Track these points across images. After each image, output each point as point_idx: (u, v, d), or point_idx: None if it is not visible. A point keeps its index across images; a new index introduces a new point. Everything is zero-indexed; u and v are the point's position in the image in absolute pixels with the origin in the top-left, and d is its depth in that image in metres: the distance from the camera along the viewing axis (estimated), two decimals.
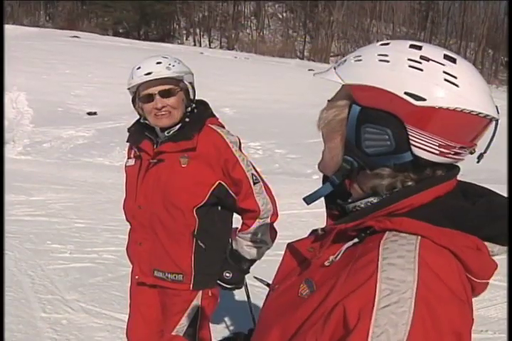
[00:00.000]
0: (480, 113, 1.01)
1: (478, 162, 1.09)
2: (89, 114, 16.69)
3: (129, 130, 2.75)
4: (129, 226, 2.82)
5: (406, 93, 1.00)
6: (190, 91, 2.60)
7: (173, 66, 2.54)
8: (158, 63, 2.52)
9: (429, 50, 1.04)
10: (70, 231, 6.49)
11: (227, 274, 2.63)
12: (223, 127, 2.66)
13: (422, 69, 1.01)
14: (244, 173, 2.56)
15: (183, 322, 2.63)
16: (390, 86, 1.01)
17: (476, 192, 1.08)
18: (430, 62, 1.01)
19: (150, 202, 2.59)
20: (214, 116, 2.69)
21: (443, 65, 1.01)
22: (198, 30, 52.64)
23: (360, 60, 1.06)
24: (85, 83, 20.38)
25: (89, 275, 5.06)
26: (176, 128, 2.57)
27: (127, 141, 2.77)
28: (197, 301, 2.63)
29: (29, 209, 7.36)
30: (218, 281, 2.65)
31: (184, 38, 52.49)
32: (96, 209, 7.57)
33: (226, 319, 4.09)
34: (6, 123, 14.21)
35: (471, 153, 1.06)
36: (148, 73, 2.48)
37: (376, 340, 0.88)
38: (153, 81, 2.49)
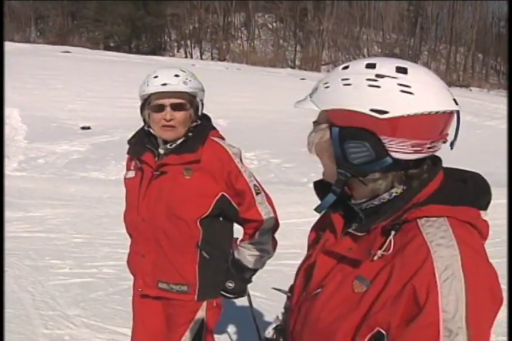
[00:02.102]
0: (437, 111, 1.18)
1: (451, 149, 1.27)
2: (83, 128, 16.68)
3: (129, 142, 2.75)
4: (129, 240, 2.82)
5: (371, 110, 1.17)
6: (200, 108, 2.61)
7: (190, 81, 2.54)
8: (176, 76, 2.51)
9: (382, 66, 1.20)
10: (69, 246, 6.47)
11: (230, 284, 2.64)
12: (224, 139, 2.68)
13: (379, 87, 1.18)
14: (247, 184, 2.58)
15: (188, 335, 2.63)
16: (357, 106, 1.18)
17: (457, 173, 1.29)
18: (385, 78, 1.18)
19: (153, 214, 2.59)
20: (215, 128, 2.70)
21: (396, 78, 1.18)
22: (189, 42, 52.82)
23: (328, 87, 1.24)
24: (78, 98, 20.38)
25: (90, 290, 5.04)
26: (179, 142, 2.58)
27: (127, 153, 2.76)
28: (202, 312, 2.63)
29: (26, 226, 7.33)
30: (221, 291, 2.66)
31: (175, 50, 52.67)
32: (94, 224, 7.55)
33: (229, 329, 4.08)
34: None
35: (444, 142, 1.25)
36: (165, 84, 2.48)
37: (446, 309, 1.09)
38: (168, 92, 2.49)
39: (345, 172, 1.25)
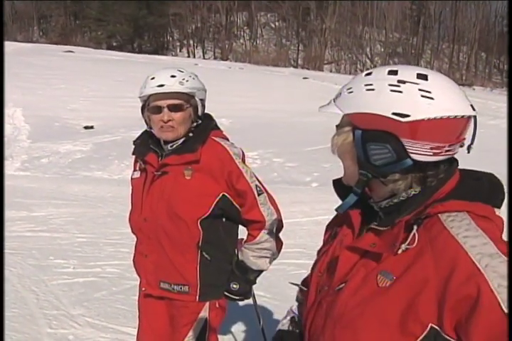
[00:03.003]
0: (456, 116, 1.24)
1: (468, 152, 1.33)
2: (86, 128, 16.68)
3: (134, 142, 2.76)
4: (133, 239, 2.83)
5: (393, 113, 1.24)
6: (200, 108, 2.60)
7: (187, 81, 2.53)
8: (173, 76, 2.51)
9: (404, 73, 1.28)
10: (73, 246, 6.48)
11: (234, 285, 2.63)
12: (227, 139, 2.68)
13: (401, 92, 1.25)
14: (248, 185, 2.57)
15: (191, 335, 2.63)
16: (380, 110, 1.25)
17: (472, 173, 1.35)
18: (406, 83, 1.25)
19: (155, 214, 2.59)
20: (218, 128, 2.70)
21: (417, 84, 1.25)
22: (191, 42, 52.83)
23: (351, 92, 1.31)
24: (81, 97, 20.41)
25: (94, 289, 5.05)
26: (180, 142, 2.59)
27: (133, 154, 2.77)
28: (204, 313, 2.63)
29: (30, 225, 7.34)
30: (225, 293, 2.65)
31: (178, 50, 52.69)
32: (97, 224, 7.56)
33: (233, 329, 4.10)
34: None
35: (461, 146, 1.31)
36: (161, 85, 2.48)
37: (500, 290, 1.11)
38: (165, 94, 2.49)
39: (367, 173, 1.32)
